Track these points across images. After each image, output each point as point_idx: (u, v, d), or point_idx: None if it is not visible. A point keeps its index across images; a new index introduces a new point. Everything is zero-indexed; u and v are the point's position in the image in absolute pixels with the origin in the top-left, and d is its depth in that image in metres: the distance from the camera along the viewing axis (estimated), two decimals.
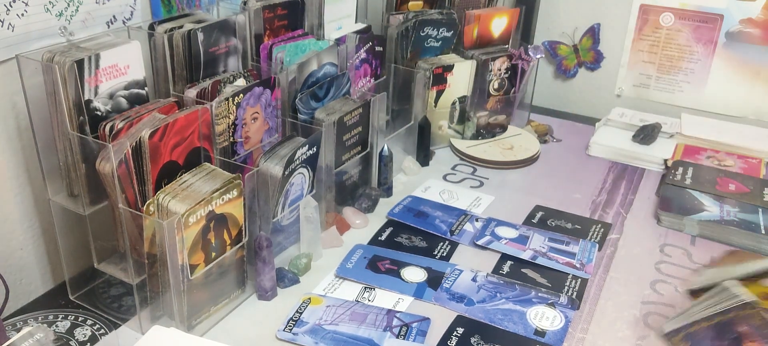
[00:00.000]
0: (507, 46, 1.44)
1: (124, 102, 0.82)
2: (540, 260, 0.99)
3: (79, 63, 0.75)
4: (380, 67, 1.24)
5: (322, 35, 1.17)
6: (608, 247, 1.05)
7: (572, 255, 1.00)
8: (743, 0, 1.45)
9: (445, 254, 1.01)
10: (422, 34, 1.30)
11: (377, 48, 1.21)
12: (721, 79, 1.53)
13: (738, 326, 0.72)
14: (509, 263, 0.99)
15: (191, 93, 0.89)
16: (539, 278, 0.96)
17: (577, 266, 0.98)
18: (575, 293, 0.92)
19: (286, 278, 0.93)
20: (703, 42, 1.52)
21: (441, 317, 0.87)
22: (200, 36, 0.90)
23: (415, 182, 1.23)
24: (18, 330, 0.82)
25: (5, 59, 0.82)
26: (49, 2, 0.86)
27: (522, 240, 1.04)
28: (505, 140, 1.40)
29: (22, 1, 0.83)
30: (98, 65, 0.78)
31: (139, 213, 0.76)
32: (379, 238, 1.05)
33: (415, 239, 1.05)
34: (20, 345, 0.63)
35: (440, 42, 1.34)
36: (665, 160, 1.31)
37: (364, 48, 1.16)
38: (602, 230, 1.09)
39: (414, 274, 0.95)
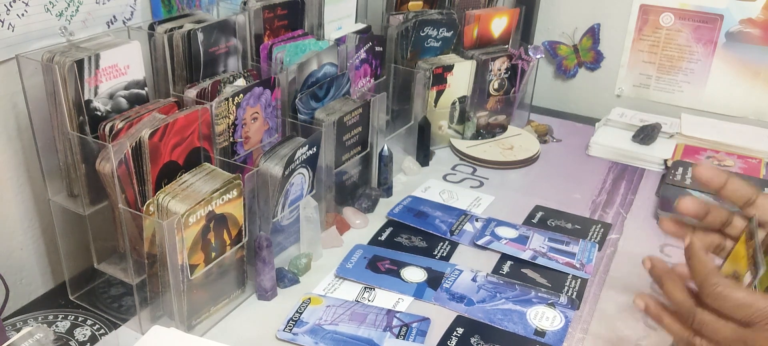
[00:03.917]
0: (507, 46, 1.44)
1: (124, 102, 0.82)
2: (540, 260, 0.99)
3: (79, 63, 0.75)
4: (380, 67, 1.24)
5: (322, 35, 1.17)
6: (608, 247, 1.05)
7: (572, 255, 1.00)
8: (743, 0, 1.45)
9: (445, 254, 1.01)
10: (422, 34, 1.30)
11: (377, 48, 1.21)
12: (721, 79, 1.53)
13: None
14: (509, 263, 0.99)
15: (191, 93, 0.89)
16: (539, 278, 0.96)
17: (577, 266, 0.98)
18: (575, 293, 0.92)
19: (286, 278, 0.93)
20: (703, 42, 1.52)
21: (441, 317, 0.87)
22: (200, 36, 0.90)
23: (415, 182, 1.23)
24: (18, 330, 0.82)
25: (5, 59, 0.82)
26: (49, 2, 0.86)
27: (522, 240, 1.04)
28: (505, 140, 1.40)
29: (22, 1, 0.83)
30: (98, 65, 0.78)
31: (139, 213, 0.76)
32: (379, 238, 1.05)
33: (415, 239, 1.05)
34: (20, 345, 0.63)
35: (440, 42, 1.34)
36: (665, 161, 1.31)
37: (364, 48, 1.16)
38: (602, 230, 1.09)
39: (414, 274, 0.95)
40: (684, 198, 0.76)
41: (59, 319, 0.86)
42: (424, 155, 1.30)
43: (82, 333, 0.83)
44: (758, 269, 0.62)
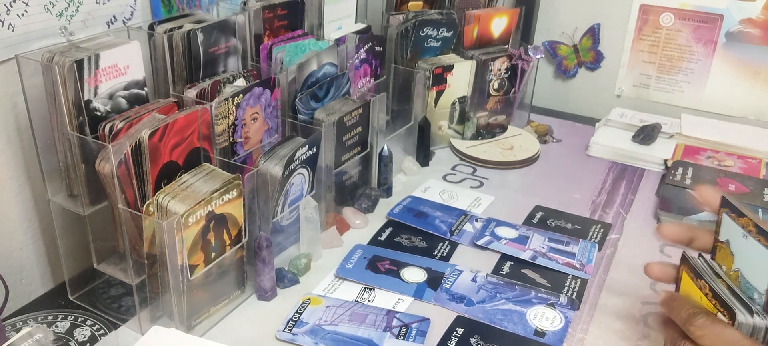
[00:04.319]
0: (507, 46, 1.44)
1: (123, 102, 0.82)
2: (540, 261, 0.98)
3: (79, 63, 0.75)
4: (380, 68, 1.24)
5: (322, 35, 1.17)
6: (608, 247, 1.05)
7: (572, 255, 1.00)
8: (743, 0, 1.45)
9: (444, 255, 1.01)
10: (422, 34, 1.30)
11: (377, 48, 1.21)
12: (721, 80, 1.53)
13: None
14: (509, 263, 0.99)
15: (191, 93, 0.89)
16: (539, 278, 0.96)
17: (577, 266, 0.98)
18: (575, 294, 0.92)
19: (286, 278, 0.93)
20: (703, 42, 1.52)
21: (441, 317, 0.87)
22: (200, 36, 0.90)
23: (415, 182, 1.23)
24: (18, 330, 0.82)
25: (5, 59, 0.82)
26: (50, 2, 0.86)
27: (522, 240, 1.04)
28: (505, 140, 1.40)
29: (23, 1, 0.83)
30: (98, 65, 0.78)
31: (138, 213, 0.76)
32: (379, 238, 1.05)
33: (415, 239, 1.05)
34: (20, 345, 0.63)
35: (440, 42, 1.34)
36: (665, 161, 1.31)
37: (364, 48, 1.16)
38: (602, 230, 1.09)
39: (414, 274, 0.95)
40: (663, 226, 0.77)
41: (59, 319, 0.86)
42: (424, 155, 1.30)
43: (82, 333, 0.83)
44: (735, 313, 0.64)
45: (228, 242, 0.82)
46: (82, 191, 0.81)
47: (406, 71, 1.30)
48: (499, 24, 1.41)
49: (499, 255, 1.01)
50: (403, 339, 0.82)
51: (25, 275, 0.93)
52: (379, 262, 0.97)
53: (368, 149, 1.12)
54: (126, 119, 0.78)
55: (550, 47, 1.68)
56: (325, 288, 0.92)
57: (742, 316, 0.63)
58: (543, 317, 0.87)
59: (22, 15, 0.83)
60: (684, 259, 0.73)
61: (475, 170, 1.30)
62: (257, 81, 0.93)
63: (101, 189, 0.80)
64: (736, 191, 1.15)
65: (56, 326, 0.84)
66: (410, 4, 1.36)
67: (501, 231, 1.06)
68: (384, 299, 0.90)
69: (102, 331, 0.84)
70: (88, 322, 0.85)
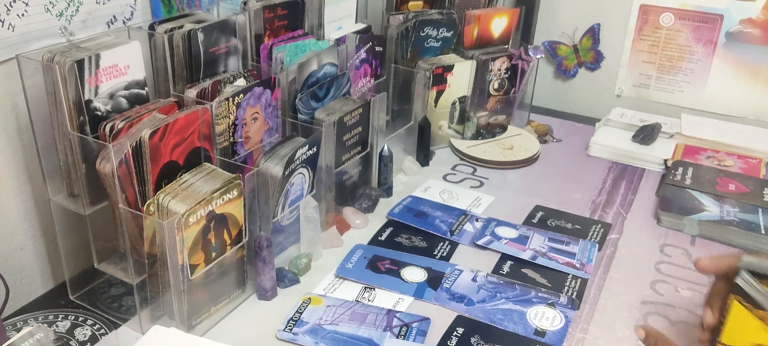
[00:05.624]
0: (507, 46, 1.44)
1: (124, 102, 0.82)
2: (540, 260, 0.99)
3: (79, 63, 0.76)
4: (380, 67, 1.24)
5: (322, 35, 1.17)
6: (608, 247, 1.05)
7: (572, 255, 1.00)
8: (743, 0, 1.45)
9: (445, 254, 1.01)
10: (422, 34, 1.30)
11: (377, 48, 1.21)
12: (721, 79, 1.53)
13: None
14: (509, 263, 0.99)
15: (191, 93, 0.89)
16: (539, 278, 0.96)
17: (577, 266, 0.98)
18: (575, 293, 0.92)
19: (286, 278, 0.93)
20: (703, 42, 1.52)
21: (441, 317, 0.87)
22: (200, 36, 0.90)
23: (415, 182, 1.23)
24: (18, 330, 0.82)
25: (5, 59, 0.82)
26: (50, 2, 0.86)
27: (522, 240, 1.04)
28: (505, 140, 1.40)
29: (23, 1, 0.83)
30: (98, 65, 0.78)
31: (139, 213, 0.76)
32: (379, 238, 1.05)
33: (415, 239, 1.05)
34: (20, 345, 0.64)
35: (440, 42, 1.34)
36: (665, 161, 1.31)
37: (364, 48, 1.16)
38: (602, 230, 1.09)
39: (414, 274, 0.95)
40: (701, 260, 0.72)
41: (59, 319, 0.86)
42: (424, 155, 1.30)
43: (83, 333, 0.83)
44: None
45: (228, 241, 0.82)
46: (83, 190, 0.81)
47: (406, 71, 1.30)
48: (499, 24, 1.41)
49: (499, 255, 1.01)
50: (404, 339, 0.82)
51: (25, 275, 0.93)
52: (379, 262, 0.97)
53: (368, 149, 1.12)
54: (126, 119, 0.78)
55: (550, 47, 1.68)
56: (325, 288, 0.92)
57: None
58: (543, 317, 0.87)
59: (22, 15, 0.83)
60: (736, 287, 0.66)
61: (475, 170, 1.30)
62: (257, 81, 0.93)
63: (102, 189, 0.80)
64: (736, 191, 1.15)
65: (57, 326, 0.84)
66: (410, 4, 1.36)
67: (501, 231, 1.06)
68: (384, 298, 0.90)
69: (102, 330, 0.84)
70: (89, 322, 0.85)
